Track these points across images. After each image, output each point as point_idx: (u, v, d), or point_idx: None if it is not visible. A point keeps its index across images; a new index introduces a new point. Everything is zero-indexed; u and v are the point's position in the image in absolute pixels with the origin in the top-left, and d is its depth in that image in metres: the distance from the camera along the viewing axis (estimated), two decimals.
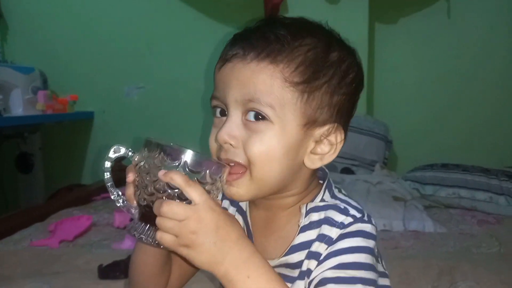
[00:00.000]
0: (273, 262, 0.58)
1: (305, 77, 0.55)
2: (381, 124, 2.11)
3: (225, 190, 0.56)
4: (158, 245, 0.52)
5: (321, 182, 0.63)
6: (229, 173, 0.55)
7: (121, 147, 0.55)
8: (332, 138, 0.58)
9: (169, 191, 0.50)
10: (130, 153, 0.55)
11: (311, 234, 0.57)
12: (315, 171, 0.62)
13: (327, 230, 0.56)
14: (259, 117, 0.55)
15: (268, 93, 0.54)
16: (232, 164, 0.56)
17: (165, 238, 0.50)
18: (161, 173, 0.50)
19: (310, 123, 0.56)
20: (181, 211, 0.49)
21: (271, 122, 0.55)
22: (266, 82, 0.54)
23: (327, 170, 0.65)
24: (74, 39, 2.34)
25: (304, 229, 0.58)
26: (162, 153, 0.51)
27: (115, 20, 2.32)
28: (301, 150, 0.57)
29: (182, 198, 0.50)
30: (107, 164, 0.56)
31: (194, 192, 0.50)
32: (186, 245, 0.49)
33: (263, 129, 0.55)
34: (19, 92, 2.06)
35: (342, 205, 0.58)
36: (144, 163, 0.52)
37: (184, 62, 2.26)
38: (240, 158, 0.56)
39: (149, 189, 0.52)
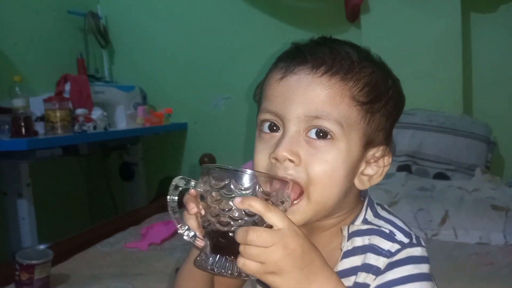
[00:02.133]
0: None
1: (370, 98, 0.54)
2: (481, 124, 1.90)
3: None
4: (238, 275, 0.50)
5: (362, 199, 0.61)
6: None
7: (182, 179, 0.52)
8: (380, 161, 0.57)
9: (246, 218, 0.48)
10: (192, 183, 0.52)
11: (356, 261, 0.55)
12: (359, 194, 0.60)
13: (374, 260, 0.53)
14: (321, 134, 0.53)
15: (337, 110, 0.53)
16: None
17: (249, 265, 0.47)
18: (237, 201, 0.47)
19: (369, 144, 0.56)
20: (268, 238, 0.46)
21: (337, 140, 0.53)
22: (336, 99, 0.53)
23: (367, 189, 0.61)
24: (167, 58, 2.55)
25: (347, 254, 0.55)
26: (231, 179, 0.48)
27: (199, 36, 2.47)
28: (355, 170, 0.56)
29: (260, 224, 0.49)
30: (172, 198, 0.52)
31: (276, 217, 0.47)
32: (273, 272, 0.47)
33: (327, 148, 0.53)
34: (122, 108, 2.30)
35: (387, 229, 0.55)
36: (212, 192, 0.49)
37: (265, 71, 2.30)
38: (301, 178, 0.52)
39: (222, 219, 0.49)
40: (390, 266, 0.51)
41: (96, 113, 1.98)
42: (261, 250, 0.46)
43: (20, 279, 1.16)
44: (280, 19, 2.28)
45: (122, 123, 2.29)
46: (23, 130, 1.66)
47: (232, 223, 0.48)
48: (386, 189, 1.59)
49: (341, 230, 0.56)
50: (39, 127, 1.84)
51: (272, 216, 0.47)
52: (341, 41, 0.57)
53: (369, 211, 0.58)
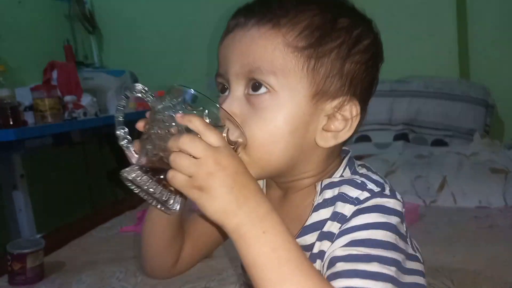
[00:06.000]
0: None
1: (311, 42, 0.50)
2: (479, 87, 1.86)
3: None
4: (157, 200, 0.47)
5: (342, 159, 0.57)
6: None
7: (144, 89, 0.49)
8: (346, 112, 0.52)
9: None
10: (151, 97, 0.49)
11: (325, 213, 0.51)
12: (336, 151, 0.56)
13: (341, 207, 0.50)
14: (261, 88, 0.50)
15: (269, 60, 0.50)
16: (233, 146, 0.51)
17: (178, 178, 0.44)
18: (179, 115, 0.46)
19: (320, 94, 0.51)
20: (201, 146, 0.44)
21: (275, 93, 0.50)
22: (267, 48, 0.50)
23: (348, 149, 0.58)
24: (157, 40, 2.50)
25: (317, 208, 0.52)
26: (184, 100, 0.47)
27: (190, 15, 2.41)
28: (311, 126, 0.52)
29: None
30: (124, 97, 0.49)
31: (215, 136, 0.45)
32: (200, 188, 0.44)
33: (267, 104, 0.50)
34: (113, 93, 2.26)
35: (360, 180, 0.51)
36: (163, 110, 0.47)
37: None
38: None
39: (159, 131, 0.47)
40: (356, 213, 0.48)
41: (86, 100, 1.95)
42: (191, 162, 0.43)
43: (13, 269, 1.14)
44: None
45: (114, 109, 2.25)
46: (10, 121, 1.63)
47: (169, 137, 0.46)
48: (383, 159, 1.57)
49: (315, 187, 0.54)
50: (29, 117, 1.81)
51: (211, 135, 0.45)
52: None
53: (347, 169, 0.55)
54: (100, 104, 2.15)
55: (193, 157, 0.44)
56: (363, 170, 0.55)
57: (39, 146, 1.80)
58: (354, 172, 0.54)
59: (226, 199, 0.44)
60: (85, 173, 2.44)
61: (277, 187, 0.59)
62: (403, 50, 1.79)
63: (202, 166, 0.43)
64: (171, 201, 0.47)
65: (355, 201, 0.49)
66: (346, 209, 0.49)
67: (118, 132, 0.50)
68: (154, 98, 0.49)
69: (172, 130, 0.46)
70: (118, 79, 2.29)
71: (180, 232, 0.63)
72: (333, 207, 0.51)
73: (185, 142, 0.44)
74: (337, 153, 0.57)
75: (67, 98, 1.88)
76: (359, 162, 0.57)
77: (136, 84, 0.49)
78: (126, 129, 0.50)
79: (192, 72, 2.44)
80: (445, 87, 1.86)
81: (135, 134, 0.51)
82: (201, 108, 0.47)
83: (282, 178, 0.56)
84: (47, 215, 1.99)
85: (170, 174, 0.44)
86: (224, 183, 0.44)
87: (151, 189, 0.46)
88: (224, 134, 0.48)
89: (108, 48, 2.63)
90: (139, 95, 0.49)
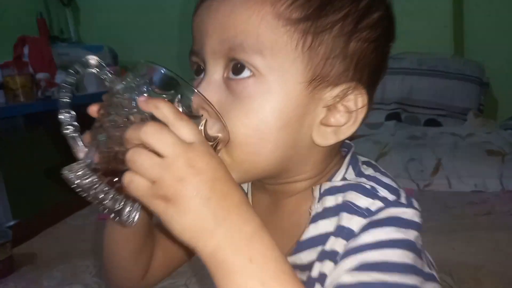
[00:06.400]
0: None
1: (308, 13, 0.40)
2: (474, 64, 1.78)
3: None
4: (109, 209, 0.36)
5: (343, 157, 0.48)
6: None
7: (99, 63, 0.39)
8: (349, 103, 0.42)
9: None
10: (108, 74, 0.38)
11: (325, 226, 0.42)
12: (336, 148, 0.47)
13: (347, 219, 0.40)
14: (244, 71, 0.40)
15: (254, 34, 0.40)
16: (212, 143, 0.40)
17: (137, 183, 0.34)
18: (142, 99, 0.35)
19: (318, 80, 0.41)
20: (169, 142, 0.33)
21: (261, 76, 0.40)
22: (251, 20, 0.40)
23: (351, 143, 0.49)
24: (138, 14, 2.35)
25: (316, 218, 0.43)
26: (151, 80, 0.37)
27: None
28: (307, 120, 0.42)
29: None
30: (72, 73, 0.39)
31: (187, 128, 0.34)
32: (165, 198, 0.33)
33: (251, 92, 0.40)
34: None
35: (368, 184, 0.42)
36: (123, 92, 0.37)
37: None
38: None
39: (117, 119, 0.36)
40: (367, 227, 0.39)
41: (60, 77, 1.82)
42: (155, 162, 0.33)
43: None
44: None
45: (91, 87, 2.13)
46: None
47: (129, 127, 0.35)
48: (375, 140, 1.50)
49: (312, 192, 0.44)
50: None
51: (183, 127, 0.34)
52: None
53: (350, 169, 0.45)
54: (77, 81, 2.03)
55: (158, 155, 0.34)
56: (369, 171, 0.45)
57: (10, 128, 1.69)
58: (359, 173, 0.45)
59: (200, 214, 0.33)
60: (61, 155, 2.33)
61: (265, 190, 0.50)
62: (396, 24, 1.70)
63: (169, 168, 0.33)
64: (127, 210, 0.37)
65: (364, 212, 0.40)
66: (354, 222, 0.40)
67: (61, 117, 0.39)
68: (113, 76, 0.38)
69: (132, 117, 0.36)
70: (96, 55, 2.10)
71: (149, 239, 0.53)
72: (336, 218, 0.41)
73: (149, 133, 0.33)
74: (337, 150, 0.48)
75: (40, 75, 1.76)
76: (363, 159, 0.47)
77: (90, 57, 0.39)
78: (73, 114, 0.39)
79: (175, 47, 2.32)
80: (439, 64, 1.79)
81: (87, 122, 0.40)
82: (173, 92, 0.37)
83: (271, 180, 0.47)
84: (24, 200, 1.90)
85: (127, 177, 0.34)
86: (199, 193, 0.33)
87: (100, 195, 0.36)
88: (201, 127, 0.38)
89: (85, 22, 2.47)
90: (93, 70, 0.39)
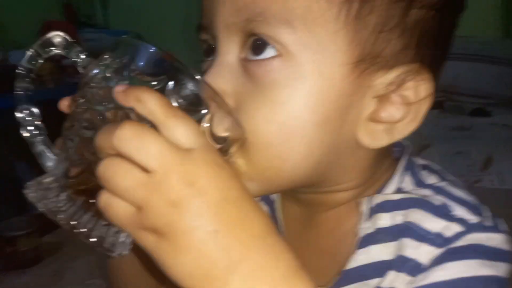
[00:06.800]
0: None
1: None
2: None
3: None
4: (86, 235, 0.27)
5: (395, 161, 0.39)
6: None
7: (66, 40, 0.30)
8: (408, 92, 0.32)
9: None
10: (80, 55, 0.30)
11: (380, 253, 0.34)
12: (387, 151, 0.37)
13: (411, 248, 0.32)
14: (267, 50, 0.31)
15: (280, 0, 0.30)
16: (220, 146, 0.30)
17: (115, 207, 0.25)
18: (119, 89, 0.26)
19: (368, 61, 0.31)
20: (155, 149, 0.24)
21: (290, 55, 0.30)
22: None
23: (405, 141, 0.39)
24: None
25: (365, 242, 0.34)
26: (133, 61, 0.27)
27: None
28: (351, 115, 0.32)
29: None
30: (31, 56, 0.30)
31: (184, 128, 0.25)
32: (154, 229, 0.24)
33: (276, 77, 0.31)
34: None
35: (438, 199, 0.33)
36: (100, 81, 0.28)
37: None
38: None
39: (90, 116, 0.28)
40: (441, 260, 0.30)
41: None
42: (138, 180, 0.24)
43: (5, 252, 1.07)
44: None
45: None
46: (4, 86, 1.50)
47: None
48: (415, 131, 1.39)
49: (358, 206, 0.36)
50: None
51: (175, 126, 0.25)
52: None
53: (407, 177, 0.36)
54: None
55: (143, 168, 0.24)
56: (433, 179, 0.36)
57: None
58: (419, 182, 0.36)
59: (205, 254, 0.24)
60: None
61: (296, 201, 0.41)
62: None
63: (158, 189, 0.24)
64: (109, 241, 0.27)
65: (436, 238, 0.31)
66: (422, 252, 0.31)
67: (19, 115, 0.30)
68: (87, 59, 0.30)
69: (109, 114, 0.27)
70: None
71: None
72: (395, 245, 0.33)
73: (124, 138, 0.24)
74: (389, 152, 0.38)
75: (66, 61, 1.74)
76: (420, 161, 0.38)
77: (55, 33, 0.30)
78: (36, 111, 0.31)
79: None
80: (486, 48, 1.66)
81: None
82: (164, 77, 0.27)
83: (303, 188, 0.38)
84: None
85: (103, 200, 0.25)
86: (201, 223, 0.24)
87: (72, 221, 0.27)
88: (206, 125, 0.28)
89: (114, 7, 2.44)
90: (58, 51, 0.30)
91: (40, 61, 0.30)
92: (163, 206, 0.24)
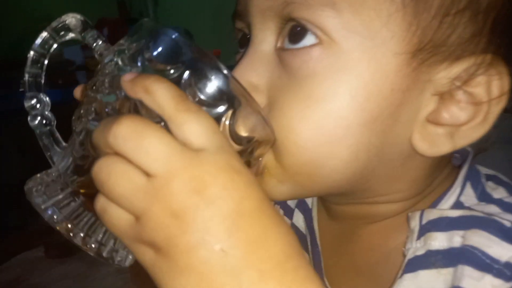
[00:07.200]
0: None
1: None
2: None
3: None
4: (85, 239, 0.24)
5: (455, 169, 0.34)
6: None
7: (83, 22, 0.28)
8: (478, 88, 0.27)
9: None
10: (96, 40, 0.28)
11: (431, 280, 0.28)
12: (446, 159, 0.32)
13: (471, 278, 0.27)
14: (307, 37, 0.26)
15: None
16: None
17: (112, 214, 0.22)
18: (126, 78, 0.23)
19: (428, 50, 0.26)
20: (158, 151, 0.21)
21: (332, 43, 0.26)
22: None
23: (469, 148, 0.34)
24: None
25: (414, 265, 0.29)
26: (148, 47, 0.24)
27: None
28: (404, 114, 0.27)
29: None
30: (44, 40, 0.28)
31: (195, 124, 0.22)
32: (153, 244, 0.21)
33: (315, 68, 0.26)
34: None
35: (508, 218, 0.28)
36: (110, 67, 0.25)
37: None
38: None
39: (98, 108, 0.25)
40: None
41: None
42: (137, 184, 0.21)
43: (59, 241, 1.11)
44: None
45: None
46: (59, 80, 1.57)
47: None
48: None
49: (407, 220, 0.31)
50: (81, 77, 1.77)
51: (187, 122, 0.21)
52: None
53: (469, 189, 0.31)
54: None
55: (144, 171, 0.21)
56: (500, 192, 0.30)
57: None
58: (484, 196, 0.30)
59: (210, 278, 0.20)
60: None
61: (336, 210, 0.37)
62: None
63: (160, 197, 0.21)
64: (108, 249, 0.25)
65: (504, 269, 0.26)
66: (485, 284, 0.26)
67: (27, 104, 0.28)
68: (104, 44, 0.28)
69: (117, 105, 0.24)
70: None
71: None
72: (451, 272, 0.28)
73: (121, 137, 0.21)
74: (448, 159, 0.33)
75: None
76: (485, 171, 0.33)
77: (70, 15, 0.27)
78: (47, 100, 0.29)
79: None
80: None
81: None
82: (179, 65, 0.23)
83: (342, 197, 0.34)
84: None
85: (99, 204, 0.22)
86: (208, 239, 0.20)
87: (69, 225, 0.24)
88: (226, 122, 0.24)
89: (164, 4, 2.49)
90: (73, 34, 0.27)
91: (55, 45, 0.28)
92: (163, 216, 0.20)
